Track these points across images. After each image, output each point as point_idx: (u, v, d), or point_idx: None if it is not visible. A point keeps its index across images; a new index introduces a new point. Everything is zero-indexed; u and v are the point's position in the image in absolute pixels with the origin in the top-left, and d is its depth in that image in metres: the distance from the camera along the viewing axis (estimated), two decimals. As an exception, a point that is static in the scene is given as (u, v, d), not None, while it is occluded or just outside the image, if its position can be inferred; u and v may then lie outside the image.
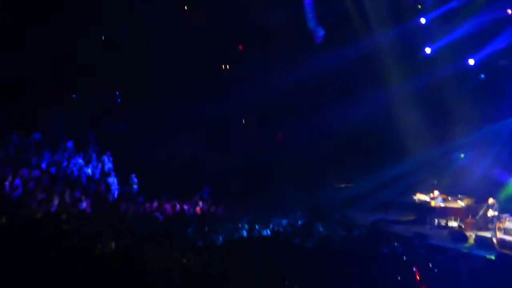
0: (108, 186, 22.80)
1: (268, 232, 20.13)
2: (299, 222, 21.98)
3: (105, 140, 25.79)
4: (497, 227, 22.89)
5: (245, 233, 19.40)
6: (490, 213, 23.28)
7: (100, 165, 23.66)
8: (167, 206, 22.66)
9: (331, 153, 28.31)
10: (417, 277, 15.36)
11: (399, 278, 15.04)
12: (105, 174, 23.53)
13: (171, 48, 27.41)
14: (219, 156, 27.75)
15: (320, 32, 22.70)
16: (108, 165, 24.00)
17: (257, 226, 20.36)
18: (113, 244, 15.34)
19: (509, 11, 24.07)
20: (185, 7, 28.52)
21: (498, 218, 23.01)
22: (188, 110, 27.57)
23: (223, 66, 29.71)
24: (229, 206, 24.00)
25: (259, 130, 29.76)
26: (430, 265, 16.66)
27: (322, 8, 25.59)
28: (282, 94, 27.32)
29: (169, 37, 27.18)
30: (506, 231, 22.57)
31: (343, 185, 28.52)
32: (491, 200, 23.58)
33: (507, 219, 22.84)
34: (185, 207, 23.07)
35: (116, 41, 27.01)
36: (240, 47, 29.21)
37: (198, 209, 23.37)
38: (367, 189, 26.75)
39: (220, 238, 18.42)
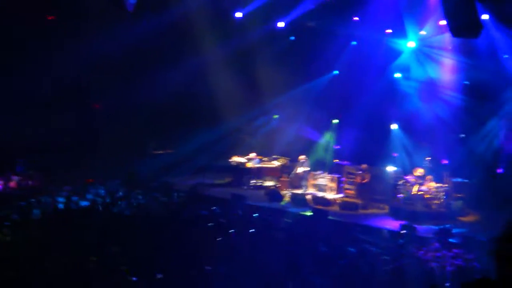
0: None
1: (86, 203, 19.53)
2: (117, 191, 21.50)
3: None
4: (310, 184, 23.69)
5: (61, 206, 18.70)
6: (302, 170, 23.94)
7: None
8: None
9: (148, 120, 27.93)
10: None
11: (218, 239, 15.08)
12: None
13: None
14: (34, 129, 26.49)
15: (132, 0, 21.99)
16: None
17: (74, 198, 19.67)
18: None
19: (316, -28, 24.59)
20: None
21: (311, 175, 23.81)
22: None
23: (32, 36, 28.14)
24: (46, 178, 23.00)
25: (75, 100, 28.70)
26: (248, 225, 16.88)
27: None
28: (97, 63, 26.44)
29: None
30: (319, 188, 23.45)
31: (160, 151, 28.26)
32: (302, 158, 24.24)
33: (320, 176, 23.73)
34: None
35: None
36: (49, 17, 27.81)
37: (12, 183, 22.21)
38: (184, 154, 26.62)
39: (37, 212, 17.64)
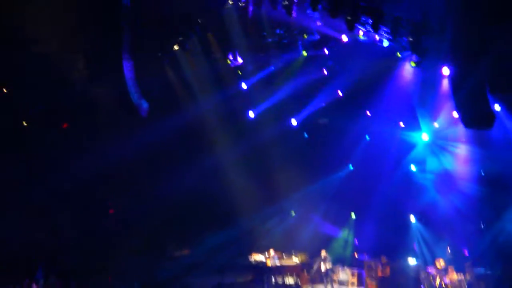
0: None
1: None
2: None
3: None
4: (332, 279, 23.48)
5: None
6: (323, 266, 23.78)
7: None
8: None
9: (165, 223, 27.88)
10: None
11: None
12: None
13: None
14: (49, 234, 26.53)
15: (144, 105, 22.51)
16: None
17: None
18: None
19: (325, 71, 25.13)
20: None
21: (332, 270, 23.61)
22: (10, 189, 26.22)
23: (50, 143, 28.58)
24: (65, 284, 22.85)
25: (89, 205, 28.85)
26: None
27: (145, 80, 25.55)
28: (112, 167, 26.72)
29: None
30: (340, 282, 23.23)
31: (179, 253, 28.10)
32: (323, 253, 24.14)
33: (340, 270, 23.55)
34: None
35: None
36: (65, 125, 28.35)
37: (32, 292, 22.18)
38: (203, 254, 26.52)
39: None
